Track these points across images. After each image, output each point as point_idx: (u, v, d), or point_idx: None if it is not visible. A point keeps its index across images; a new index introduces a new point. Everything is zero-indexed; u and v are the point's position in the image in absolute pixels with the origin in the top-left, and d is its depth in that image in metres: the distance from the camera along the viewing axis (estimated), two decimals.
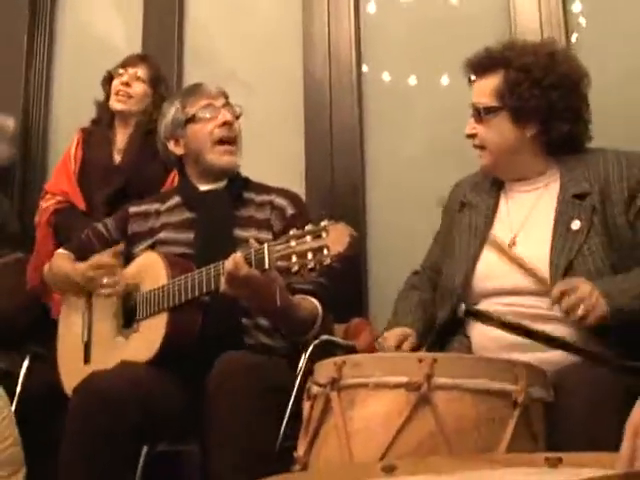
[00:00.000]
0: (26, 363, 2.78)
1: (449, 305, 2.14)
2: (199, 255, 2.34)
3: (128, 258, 2.53)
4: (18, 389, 2.67)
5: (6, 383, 2.53)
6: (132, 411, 2.07)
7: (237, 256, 2.03)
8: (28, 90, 4.08)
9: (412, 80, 3.34)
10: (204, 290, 2.17)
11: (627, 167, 2.05)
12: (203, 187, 2.54)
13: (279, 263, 1.92)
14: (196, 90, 2.61)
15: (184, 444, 2.35)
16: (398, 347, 2.10)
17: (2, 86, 4.05)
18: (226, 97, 2.60)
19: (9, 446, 2.38)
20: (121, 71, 3.32)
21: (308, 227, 1.89)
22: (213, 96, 2.56)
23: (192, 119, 2.52)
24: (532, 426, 1.58)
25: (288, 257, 1.89)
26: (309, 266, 1.87)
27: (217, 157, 2.49)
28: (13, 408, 2.50)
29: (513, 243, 2.08)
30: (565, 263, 1.97)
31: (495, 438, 1.52)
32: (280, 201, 2.50)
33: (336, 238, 1.84)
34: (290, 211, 2.46)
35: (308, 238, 1.87)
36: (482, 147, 2.18)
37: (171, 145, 2.59)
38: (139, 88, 3.30)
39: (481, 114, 2.16)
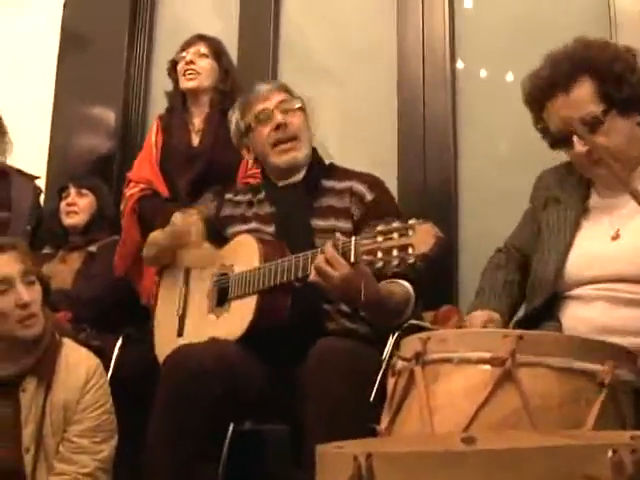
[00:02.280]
0: (119, 342, 2.88)
1: (542, 296, 2.10)
2: None
3: (219, 240, 2.60)
4: (112, 367, 2.77)
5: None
6: (215, 385, 2.12)
7: (330, 250, 2.04)
8: (128, 85, 4.22)
9: (509, 77, 3.30)
10: (292, 277, 2.20)
11: None
12: (281, 183, 2.59)
13: (364, 257, 1.92)
14: (249, 97, 2.63)
15: (269, 424, 2.39)
16: None
17: (104, 81, 4.20)
18: (282, 90, 2.61)
19: (103, 413, 2.46)
20: (184, 54, 3.36)
21: (395, 224, 1.89)
22: (265, 97, 2.57)
23: (249, 128, 2.58)
24: (620, 409, 1.54)
25: (374, 252, 1.89)
26: (393, 263, 1.86)
27: (277, 158, 2.53)
28: None
29: (617, 236, 2.04)
30: None
31: (580, 418, 1.48)
32: (359, 187, 2.49)
33: (422, 238, 1.83)
34: (369, 197, 2.46)
35: (395, 235, 1.87)
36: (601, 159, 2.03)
37: (244, 153, 2.68)
38: (205, 63, 3.35)
39: (595, 125, 2.03)
